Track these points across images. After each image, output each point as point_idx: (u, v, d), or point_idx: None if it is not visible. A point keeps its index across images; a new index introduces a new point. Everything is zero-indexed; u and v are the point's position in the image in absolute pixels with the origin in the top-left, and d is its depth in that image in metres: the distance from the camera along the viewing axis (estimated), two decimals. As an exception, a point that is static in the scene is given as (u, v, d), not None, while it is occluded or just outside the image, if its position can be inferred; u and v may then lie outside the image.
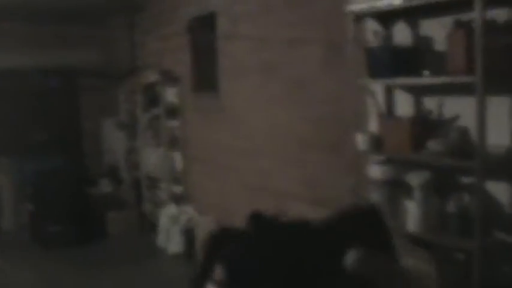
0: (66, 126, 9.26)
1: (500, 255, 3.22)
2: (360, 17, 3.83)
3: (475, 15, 2.94)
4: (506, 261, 3.22)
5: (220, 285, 2.96)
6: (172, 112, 7.21)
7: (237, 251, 3.06)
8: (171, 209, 6.89)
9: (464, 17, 3.15)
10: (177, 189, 7.30)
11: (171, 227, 6.63)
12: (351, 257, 2.99)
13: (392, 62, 3.54)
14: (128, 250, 6.96)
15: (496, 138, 3.15)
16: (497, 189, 3.24)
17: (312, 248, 2.99)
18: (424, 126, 3.56)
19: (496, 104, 3.13)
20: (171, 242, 6.57)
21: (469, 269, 3.13)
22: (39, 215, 7.21)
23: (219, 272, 2.99)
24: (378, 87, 4.02)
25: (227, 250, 3.08)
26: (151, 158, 7.69)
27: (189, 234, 6.20)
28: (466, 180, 3.40)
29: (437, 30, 3.44)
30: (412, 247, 3.59)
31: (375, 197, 3.72)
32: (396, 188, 3.62)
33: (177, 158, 7.34)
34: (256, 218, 3.19)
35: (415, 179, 3.45)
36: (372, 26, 3.93)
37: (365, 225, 3.26)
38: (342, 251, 2.95)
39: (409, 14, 3.69)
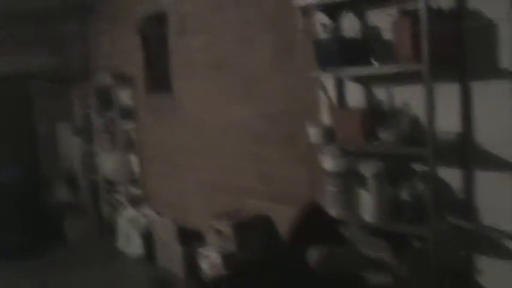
0: (20, 133, 9.05)
1: (455, 239, 3.26)
2: (308, 11, 3.84)
3: (419, 4, 2.96)
4: (461, 245, 3.26)
5: None
6: (127, 114, 7.13)
7: None
8: (129, 212, 6.82)
9: (410, 5, 3.18)
10: (135, 191, 7.22)
11: (131, 229, 6.56)
12: (312, 256, 3.07)
13: (341, 53, 3.55)
14: (88, 255, 6.85)
15: (446, 125, 3.18)
16: (449, 174, 3.27)
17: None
18: (375, 116, 3.58)
19: (445, 91, 3.16)
20: (131, 244, 6.49)
21: (426, 255, 3.16)
22: (-6, 226, 7.04)
23: None
24: (328, 79, 4.02)
25: None
26: (108, 162, 7.59)
27: (148, 236, 6.14)
28: (418, 167, 3.43)
29: (384, 20, 3.46)
30: (369, 237, 3.62)
31: (330, 188, 3.73)
32: (350, 178, 3.63)
33: (134, 160, 7.26)
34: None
35: (368, 168, 3.47)
36: (320, 19, 3.94)
37: (313, 223, 3.37)
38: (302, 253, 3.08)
39: (356, 6, 3.71)
